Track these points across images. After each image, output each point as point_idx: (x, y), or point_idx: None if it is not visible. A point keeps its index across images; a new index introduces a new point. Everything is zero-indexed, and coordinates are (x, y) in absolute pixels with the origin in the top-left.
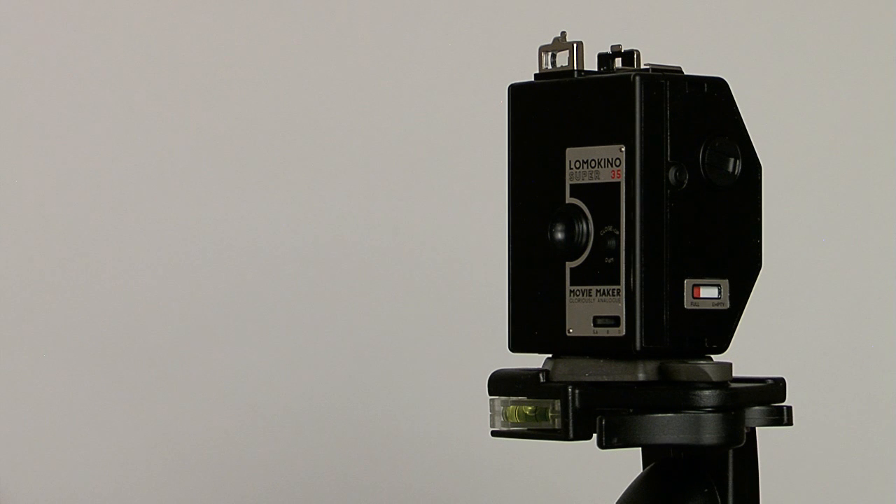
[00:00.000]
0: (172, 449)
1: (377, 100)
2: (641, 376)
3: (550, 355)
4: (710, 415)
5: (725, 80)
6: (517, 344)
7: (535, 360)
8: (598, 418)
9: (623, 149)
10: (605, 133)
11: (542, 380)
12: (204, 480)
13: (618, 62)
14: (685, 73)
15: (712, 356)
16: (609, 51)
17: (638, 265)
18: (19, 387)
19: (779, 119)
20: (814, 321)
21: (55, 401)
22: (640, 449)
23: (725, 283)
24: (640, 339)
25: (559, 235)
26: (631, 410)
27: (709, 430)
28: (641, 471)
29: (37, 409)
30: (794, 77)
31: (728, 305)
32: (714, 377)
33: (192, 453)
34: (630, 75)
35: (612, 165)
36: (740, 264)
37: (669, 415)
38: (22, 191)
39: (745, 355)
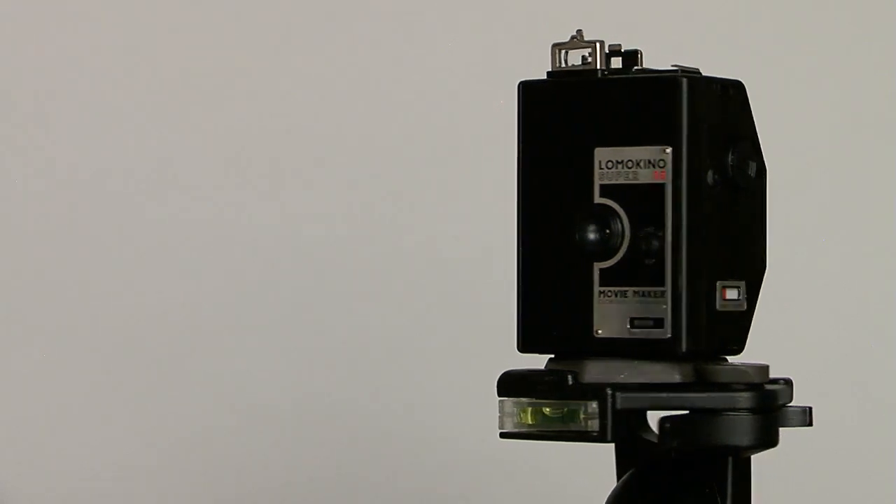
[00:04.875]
0: (172, 449)
1: (380, 100)
2: (678, 378)
3: (554, 356)
4: (758, 416)
5: (742, 82)
6: (529, 345)
7: (535, 361)
8: (660, 420)
9: (669, 150)
10: (646, 134)
11: (570, 381)
12: (204, 480)
13: (616, 61)
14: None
15: (728, 357)
16: (607, 50)
17: (685, 267)
18: (19, 387)
19: (778, 119)
20: (814, 321)
21: (55, 401)
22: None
23: (742, 284)
24: (686, 340)
25: (591, 236)
26: (686, 413)
27: (759, 432)
28: (620, 471)
29: (37, 409)
30: (793, 77)
31: (745, 307)
32: (756, 379)
33: (193, 453)
34: (677, 76)
35: (654, 166)
36: (753, 266)
37: (730, 416)
38: (22, 191)
39: (745, 355)
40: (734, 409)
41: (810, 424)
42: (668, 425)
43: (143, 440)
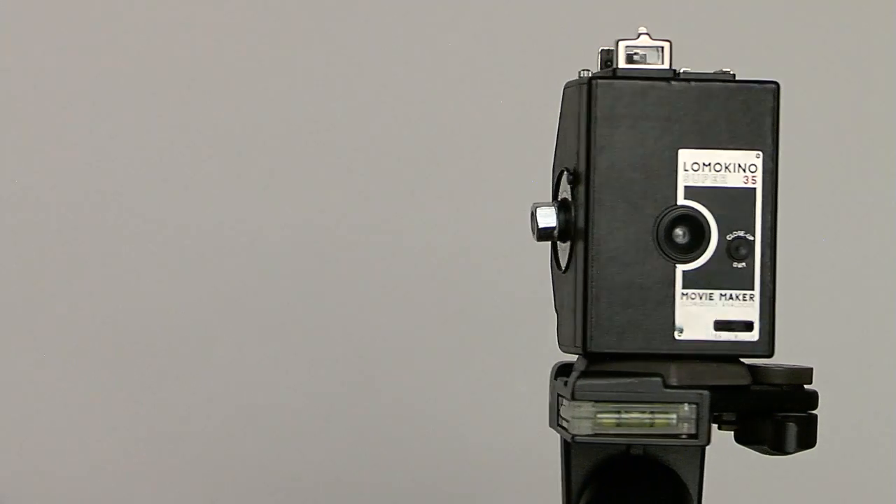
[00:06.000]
0: (173, 449)
1: (384, 100)
2: (748, 380)
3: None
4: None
5: None
6: (593, 346)
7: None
8: (779, 420)
9: (760, 155)
10: (736, 137)
11: (661, 384)
12: (205, 480)
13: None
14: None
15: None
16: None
17: (774, 271)
18: (19, 387)
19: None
20: (813, 321)
21: (55, 401)
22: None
23: None
24: (773, 343)
25: (678, 238)
26: (806, 414)
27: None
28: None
29: (37, 409)
30: (793, 77)
31: None
32: (810, 380)
33: (197, 452)
34: (773, 83)
35: (744, 171)
36: None
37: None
38: (21, 190)
39: None
40: (805, 409)
41: None
42: (793, 426)
43: (143, 440)
